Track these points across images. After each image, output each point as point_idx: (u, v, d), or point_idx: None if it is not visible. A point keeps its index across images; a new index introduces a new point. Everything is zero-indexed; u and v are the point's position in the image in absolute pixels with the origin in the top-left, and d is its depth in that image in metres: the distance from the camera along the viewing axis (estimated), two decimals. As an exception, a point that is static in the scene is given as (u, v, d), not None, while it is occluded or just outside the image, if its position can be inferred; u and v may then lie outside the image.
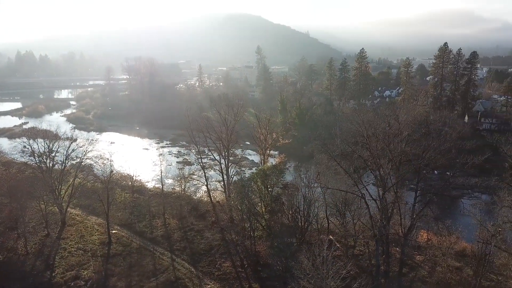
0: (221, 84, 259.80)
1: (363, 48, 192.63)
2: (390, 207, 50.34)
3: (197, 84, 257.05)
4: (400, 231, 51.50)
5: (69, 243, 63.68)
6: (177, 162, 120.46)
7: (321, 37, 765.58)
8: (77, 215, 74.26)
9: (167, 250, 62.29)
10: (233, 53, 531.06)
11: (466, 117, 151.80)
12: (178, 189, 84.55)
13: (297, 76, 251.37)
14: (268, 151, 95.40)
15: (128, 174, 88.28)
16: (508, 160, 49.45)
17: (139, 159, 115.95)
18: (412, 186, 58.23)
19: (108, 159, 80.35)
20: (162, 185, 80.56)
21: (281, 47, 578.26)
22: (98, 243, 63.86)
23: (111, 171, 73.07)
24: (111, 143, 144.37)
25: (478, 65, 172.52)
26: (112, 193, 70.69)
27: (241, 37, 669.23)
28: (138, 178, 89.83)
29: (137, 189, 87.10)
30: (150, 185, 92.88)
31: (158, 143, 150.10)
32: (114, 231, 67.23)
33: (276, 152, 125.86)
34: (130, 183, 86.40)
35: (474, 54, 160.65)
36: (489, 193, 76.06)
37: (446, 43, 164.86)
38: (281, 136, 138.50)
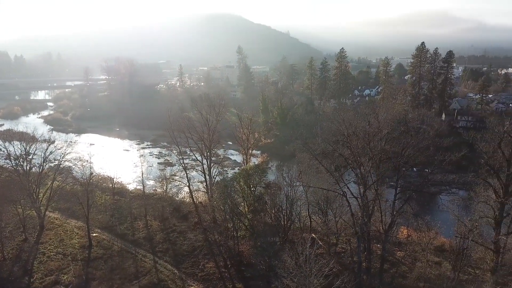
0: (202, 84, 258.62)
1: (343, 48, 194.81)
2: (371, 205, 51.12)
3: (178, 84, 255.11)
4: (381, 228, 52.29)
5: (48, 248, 62.26)
6: (158, 163, 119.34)
7: (301, 37, 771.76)
8: (56, 219, 72.68)
9: (149, 252, 61.63)
10: (214, 53, 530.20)
11: (443, 115, 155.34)
12: (159, 190, 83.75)
13: (278, 76, 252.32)
14: (250, 151, 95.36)
15: (108, 176, 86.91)
16: (483, 156, 50.74)
17: (119, 160, 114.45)
18: (392, 183, 59.29)
19: (87, 161, 78.86)
20: (144, 186, 79.63)
21: (262, 46, 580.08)
22: (78, 246, 62.65)
23: (91, 173, 71.77)
24: (91, 144, 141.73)
25: (454, 64, 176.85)
26: (92, 195, 69.45)
27: (222, 37, 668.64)
28: (118, 180, 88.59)
29: (118, 191, 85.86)
30: (131, 186, 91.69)
31: (139, 144, 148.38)
32: (94, 234, 66.09)
33: (259, 152, 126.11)
34: (110, 185, 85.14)
35: (450, 54, 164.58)
36: (466, 189, 77.97)
37: (423, 42, 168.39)
38: (263, 136, 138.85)
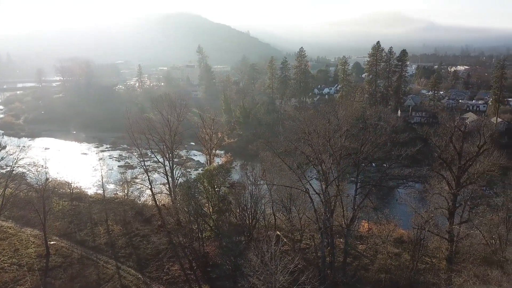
0: (162, 84, 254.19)
1: (302, 47, 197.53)
2: (333, 200, 52.32)
3: (137, 84, 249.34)
4: (343, 222, 53.65)
5: (2, 259, 58.96)
6: (118, 166, 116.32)
7: (261, 36, 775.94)
8: (10, 228, 68.98)
9: (112, 258, 59.95)
10: (174, 53, 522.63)
11: (399, 112, 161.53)
12: (120, 194, 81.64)
13: (240, 76, 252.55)
14: (213, 151, 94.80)
15: (66, 181, 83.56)
16: (436, 150, 53.26)
17: (77, 164, 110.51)
18: (353, 179, 60.98)
19: (42, 166, 75.42)
20: (104, 190, 77.40)
21: (222, 46, 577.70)
22: (35, 256, 59.82)
23: (47, 179, 68.70)
24: (46, 149, 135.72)
25: (408, 63, 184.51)
26: (49, 202, 66.62)
27: (182, 36, 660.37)
28: (77, 185, 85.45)
29: (77, 196, 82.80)
30: (90, 191, 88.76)
31: (98, 147, 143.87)
32: (52, 242, 63.37)
33: (222, 152, 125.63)
34: (68, 190, 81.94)
35: (403, 52, 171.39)
36: (422, 182, 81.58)
37: (378, 41, 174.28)
38: (226, 136, 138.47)
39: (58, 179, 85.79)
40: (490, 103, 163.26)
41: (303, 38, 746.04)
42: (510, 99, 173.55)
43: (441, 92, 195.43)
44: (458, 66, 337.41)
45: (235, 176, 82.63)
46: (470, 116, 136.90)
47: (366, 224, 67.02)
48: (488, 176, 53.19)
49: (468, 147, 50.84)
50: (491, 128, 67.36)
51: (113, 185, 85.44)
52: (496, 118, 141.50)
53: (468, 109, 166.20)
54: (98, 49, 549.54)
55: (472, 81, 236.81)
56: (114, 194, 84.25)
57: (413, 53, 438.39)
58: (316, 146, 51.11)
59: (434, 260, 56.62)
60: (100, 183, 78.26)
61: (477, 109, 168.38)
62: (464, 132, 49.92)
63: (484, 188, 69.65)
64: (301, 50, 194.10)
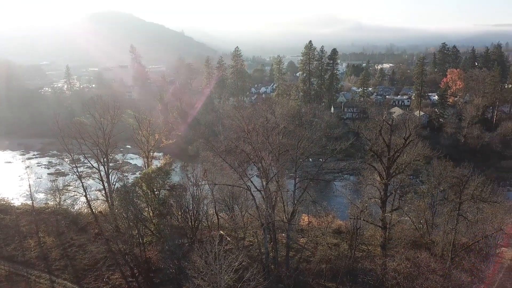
0: (93, 86, 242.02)
1: (237, 47, 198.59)
2: (273, 196, 53.38)
3: (65, 87, 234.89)
4: (284, 217, 54.95)
5: None
6: (48, 173, 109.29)
7: (196, 36, 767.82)
8: None
9: (45, 271, 56.27)
10: (105, 53, 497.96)
11: (332, 108, 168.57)
12: (52, 203, 76.54)
13: (176, 75, 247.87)
14: (151, 153, 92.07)
15: (-13, 193, 76.78)
16: (368, 143, 56.33)
17: (0, 174, 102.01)
18: (291, 174, 62.52)
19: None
20: (33, 200, 72.01)
21: (156, 46, 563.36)
22: (-46, 277, 54.45)
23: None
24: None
25: (339, 61, 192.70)
26: (-32, 216, 60.85)
27: (113, 36, 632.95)
28: (1, 196, 78.86)
29: (1, 208, 76.52)
30: (17, 202, 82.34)
31: (24, 154, 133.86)
32: (-26, 261, 58.02)
33: (160, 154, 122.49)
34: (-9, 203, 75.34)
35: (334, 51, 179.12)
36: (356, 174, 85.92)
37: (310, 41, 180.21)
38: (164, 137, 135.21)
39: (-22, 191, 78.67)
40: (413, 98, 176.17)
41: (240, 38, 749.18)
42: (430, 94, 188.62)
43: (370, 89, 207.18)
44: (384, 64, 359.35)
45: (175, 178, 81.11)
46: (396, 111, 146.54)
47: (306, 218, 69.07)
48: (414, 165, 57.14)
49: (396, 139, 54.30)
50: (415, 121, 72.89)
51: (43, 194, 79.92)
52: (419, 112, 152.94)
53: (394, 104, 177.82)
54: (22, 52, 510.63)
55: (396, 77, 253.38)
56: (45, 203, 78.95)
57: (343, 52, 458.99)
58: (255, 144, 51.84)
59: (370, 248, 59.97)
60: (28, 192, 72.68)
61: (402, 104, 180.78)
62: (391, 125, 53.20)
63: (411, 177, 74.90)
64: (237, 49, 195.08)
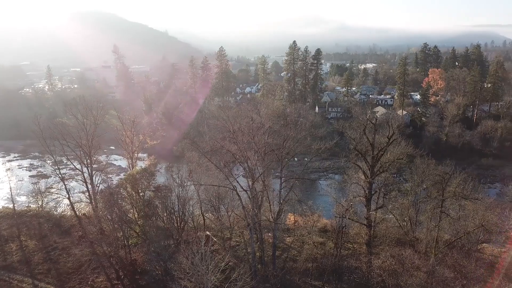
0: (75, 86, 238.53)
1: (222, 47, 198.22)
2: (259, 196, 53.45)
3: (46, 87, 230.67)
4: (270, 217, 55.09)
5: None
6: (30, 176, 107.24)
7: (180, 36, 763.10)
8: None
9: (27, 276, 55.23)
10: (87, 53, 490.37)
11: (317, 108, 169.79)
12: (34, 206, 75.07)
13: (160, 75, 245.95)
14: (136, 154, 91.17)
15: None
16: (352, 142, 56.92)
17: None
18: (277, 173, 62.78)
19: None
20: (14, 203, 70.58)
21: (139, 45, 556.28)
22: None
23: None
24: None
25: (323, 61, 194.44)
26: None
27: (95, 35, 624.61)
28: (-20, 200, 77.00)
29: (-19, 212, 74.65)
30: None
31: (4, 156, 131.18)
32: (-47, 266, 56.52)
33: (145, 155, 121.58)
34: (-30, 206, 73.48)
35: (318, 51, 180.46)
36: (341, 173, 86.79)
37: (294, 41, 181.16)
38: (149, 137, 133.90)
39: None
40: (396, 98, 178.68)
41: (224, 39, 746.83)
42: (412, 93, 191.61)
43: (354, 88, 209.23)
44: (367, 64, 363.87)
45: (161, 179, 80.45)
46: (380, 110, 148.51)
47: (292, 217, 69.32)
48: (397, 164, 57.99)
49: (379, 138, 55.06)
50: (398, 120, 74.07)
51: (25, 197, 78.31)
52: (402, 111, 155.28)
53: (377, 103, 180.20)
54: (1, 51, 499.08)
55: (379, 77, 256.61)
56: (27, 206, 77.35)
57: (327, 52, 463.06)
58: (241, 144, 51.81)
59: (355, 246, 60.57)
60: (8, 196, 71.19)
61: (385, 103, 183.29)
62: (375, 124, 53.92)
63: (395, 175, 75.97)
64: (221, 49, 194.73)
